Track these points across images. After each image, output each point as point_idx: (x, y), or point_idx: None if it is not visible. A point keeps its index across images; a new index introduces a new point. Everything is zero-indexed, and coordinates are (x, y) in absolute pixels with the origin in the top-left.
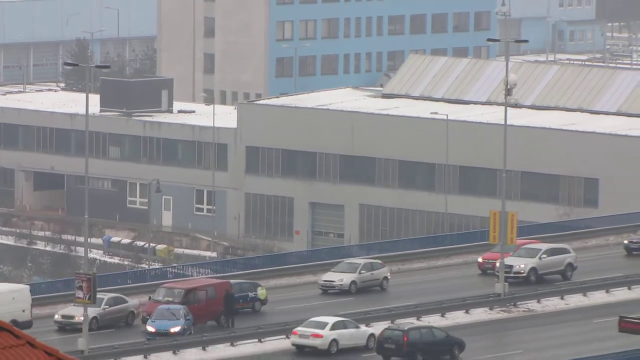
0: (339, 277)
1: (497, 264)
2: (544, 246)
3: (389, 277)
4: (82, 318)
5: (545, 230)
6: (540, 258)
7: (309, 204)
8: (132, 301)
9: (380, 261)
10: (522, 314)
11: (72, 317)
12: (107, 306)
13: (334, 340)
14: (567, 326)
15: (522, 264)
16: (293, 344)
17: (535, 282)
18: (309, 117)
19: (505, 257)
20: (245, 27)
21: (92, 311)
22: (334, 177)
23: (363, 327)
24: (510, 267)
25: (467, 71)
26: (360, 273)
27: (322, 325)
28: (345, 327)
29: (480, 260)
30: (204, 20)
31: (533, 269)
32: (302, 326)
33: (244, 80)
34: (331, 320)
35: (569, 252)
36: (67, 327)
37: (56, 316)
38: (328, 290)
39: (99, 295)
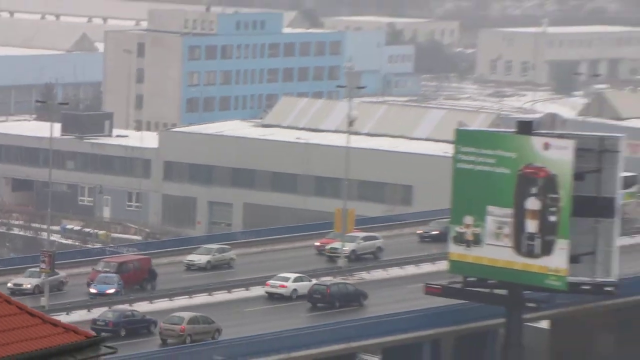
0: (198, 258)
1: (328, 247)
2: (361, 234)
3: (235, 257)
4: (29, 285)
5: (374, 222)
6: (357, 242)
7: (207, 202)
8: (62, 273)
9: (229, 246)
10: (357, 281)
11: (21, 284)
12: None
13: (295, 290)
14: (389, 290)
15: (346, 246)
16: (266, 292)
17: (355, 259)
18: (210, 140)
19: (333, 242)
20: (165, 76)
21: (35, 280)
22: (226, 183)
23: (313, 281)
24: (336, 248)
25: (322, 108)
26: (213, 255)
27: (286, 279)
28: (302, 281)
29: (317, 244)
30: (137, 71)
31: (353, 251)
32: (272, 280)
33: (164, 114)
34: (292, 275)
35: (378, 239)
36: (17, 292)
37: (9, 284)
38: (190, 267)
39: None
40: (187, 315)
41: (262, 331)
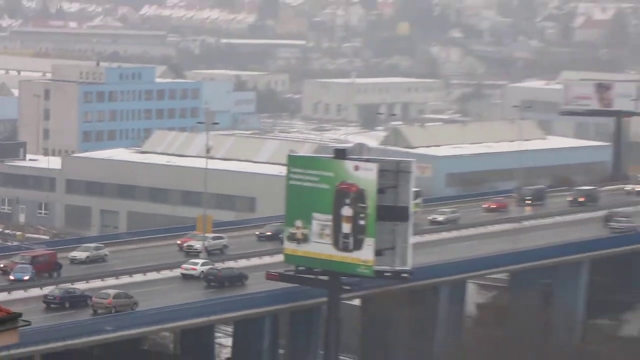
0: (79, 254)
1: (185, 245)
2: (210, 235)
3: (108, 254)
4: None
5: (227, 225)
6: (208, 241)
7: (100, 211)
8: None
9: (102, 245)
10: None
11: None
12: None
13: (202, 271)
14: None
15: (198, 244)
16: (181, 274)
17: (208, 254)
18: (101, 163)
19: (189, 240)
20: (66, 114)
21: None
22: (114, 195)
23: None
24: (192, 245)
25: (186, 139)
26: (90, 251)
27: (196, 264)
28: (207, 265)
29: (178, 242)
30: (44, 111)
31: (205, 247)
32: (185, 264)
33: (65, 143)
34: (201, 261)
35: (224, 238)
36: None
37: None
38: (73, 261)
39: None
40: (112, 291)
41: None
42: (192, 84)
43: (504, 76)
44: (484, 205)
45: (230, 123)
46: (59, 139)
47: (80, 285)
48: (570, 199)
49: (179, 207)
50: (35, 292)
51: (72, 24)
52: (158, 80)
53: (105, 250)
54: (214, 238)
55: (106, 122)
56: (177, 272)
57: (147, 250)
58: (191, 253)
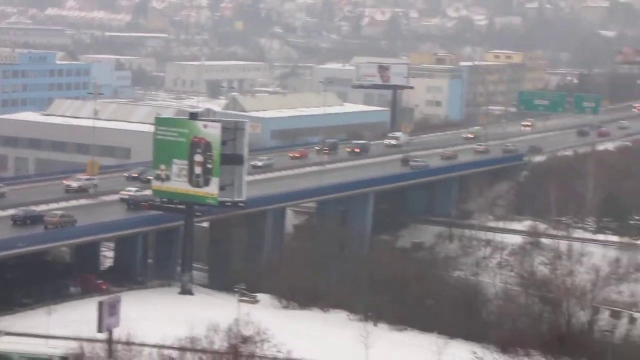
0: None
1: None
2: (84, 176)
3: (7, 191)
4: None
5: (112, 169)
6: (82, 181)
7: (14, 158)
8: None
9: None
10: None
11: None
12: None
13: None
14: (118, 206)
15: (74, 183)
16: (120, 198)
17: (81, 191)
18: (15, 123)
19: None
20: None
21: None
22: (24, 146)
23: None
24: (69, 185)
25: (79, 106)
26: None
27: (130, 190)
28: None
29: (64, 182)
30: None
31: (80, 186)
32: (122, 191)
33: None
34: (134, 189)
35: (94, 179)
36: None
37: None
38: None
39: None
40: (58, 212)
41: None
42: (84, 65)
43: (312, 60)
44: (289, 154)
45: (112, 94)
46: None
47: None
48: (348, 149)
49: (75, 155)
50: None
51: None
52: (58, 62)
53: (5, 189)
54: (87, 179)
55: (19, 92)
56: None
57: (41, 188)
58: (69, 190)
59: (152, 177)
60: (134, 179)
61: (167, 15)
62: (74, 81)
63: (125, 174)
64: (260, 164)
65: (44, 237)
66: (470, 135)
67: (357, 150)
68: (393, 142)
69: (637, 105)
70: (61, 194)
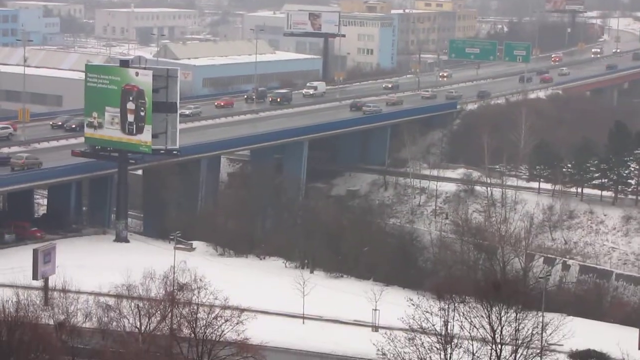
0: None
1: None
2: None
3: None
4: None
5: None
6: None
7: None
8: None
9: None
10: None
11: None
12: None
13: None
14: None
15: None
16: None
17: None
18: None
19: None
20: None
21: None
22: None
23: None
24: None
25: (9, 52)
26: None
27: None
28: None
29: None
30: None
31: None
32: None
33: None
34: None
35: (9, 128)
36: None
37: None
38: None
39: None
40: (24, 154)
41: None
42: (11, 11)
43: (243, 8)
44: (215, 103)
45: (41, 41)
46: None
47: None
48: (270, 99)
49: (5, 102)
50: None
51: None
52: None
53: (10, 130)
54: (2, 128)
55: None
56: None
57: None
58: None
59: (75, 125)
60: (59, 127)
61: None
62: (1, 28)
63: (50, 122)
64: (188, 112)
65: None
66: (389, 85)
67: (278, 99)
68: (311, 92)
69: (555, 56)
70: None
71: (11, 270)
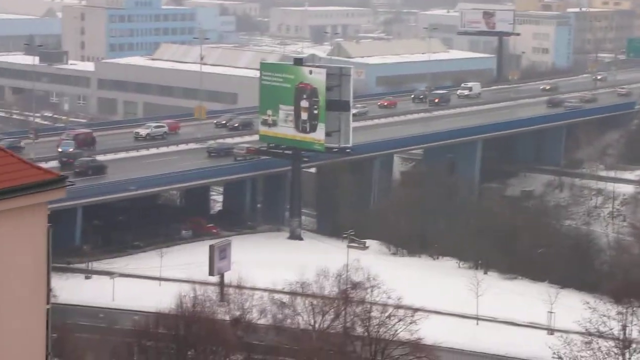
0: (142, 131)
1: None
2: (154, 123)
3: (167, 130)
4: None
5: (217, 113)
6: (151, 129)
7: (123, 102)
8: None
9: (163, 124)
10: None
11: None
12: None
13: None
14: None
15: (143, 131)
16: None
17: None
18: (123, 67)
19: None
20: (97, 31)
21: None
22: (132, 90)
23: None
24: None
25: (185, 50)
26: (151, 129)
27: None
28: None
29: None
30: (80, 29)
31: (148, 134)
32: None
33: (97, 52)
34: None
35: (165, 127)
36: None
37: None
38: (137, 137)
39: None
40: (246, 145)
41: None
42: (189, 10)
43: (417, 6)
44: (378, 103)
45: (217, 39)
46: (92, 49)
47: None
48: (429, 99)
49: (181, 100)
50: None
51: None
52: (163, 7)
53: (166, 128)
54: (157, 126)
55: (126, 37)
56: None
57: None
58: (138, 138)
59: (237, 124)
60: (222, 126)
61: None
62: (179, 26)
63: (214, 121)
64: (355, 111)
65: (155, 181)
66: (547, 87)
67: (436, 100)
68: (465, 92)
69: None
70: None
71: (188, 266)
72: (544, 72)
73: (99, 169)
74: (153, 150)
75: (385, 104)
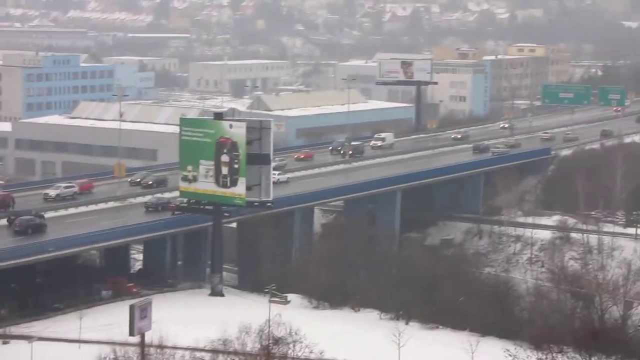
0: (51, 192)
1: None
2: (64, 184)
3: (78, 191)
4: None
5: (137, 169)
6: (60, 189)
7: (41, 162)
8: None
9: (73, 184)
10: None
11: None
12: None
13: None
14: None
15: (53, 192)
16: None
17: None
18: (41, 127)
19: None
20: (14, 91)
21: None
22: (50, 150)
23: None
24: (47, 193)
25: (104, 108)
26: (61, 190)
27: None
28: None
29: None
30: None
31: (57, 194)
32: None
33: (14, 112)
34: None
35: (75, 187)
36: None
37: None
38: (46, 198)
39: None
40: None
41: None
42: (107, 67)
43: (335, 57)
44: (294, 156)
45: (136, 95)
46: (9, 109)
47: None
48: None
49: (101, 158)
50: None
51: (17, 24)
52: (82, 64)
53: (76, 188)
54: (66, 187)
55: (44, 96)
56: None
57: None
58: (48, 199)
59: (151, 182)
60: (137, 184)
61: (188, 15)
62: (98, 83)
63: (129, 179)
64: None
65: (73, 242)
66: (458, 136)
67: (350, 152)
68: (379, 143)
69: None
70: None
71: (108, 327)
72: (462, 120)
73: (39, 228)
74: (72, 210)
75: (302, 156)
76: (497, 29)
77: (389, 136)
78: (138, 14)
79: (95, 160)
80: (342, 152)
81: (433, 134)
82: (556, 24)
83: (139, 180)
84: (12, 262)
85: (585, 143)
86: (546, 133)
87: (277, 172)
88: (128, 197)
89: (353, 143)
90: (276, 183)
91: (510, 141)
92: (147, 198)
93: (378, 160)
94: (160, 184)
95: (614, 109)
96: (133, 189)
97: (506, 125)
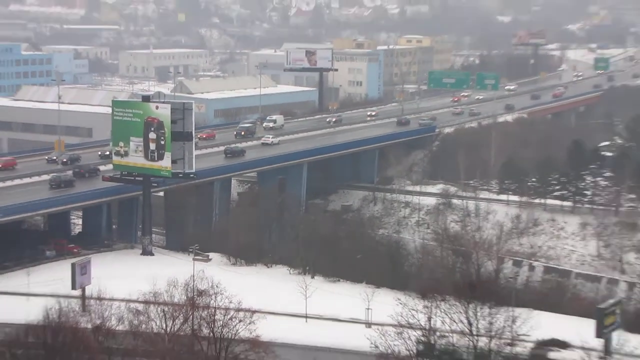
0: None
1: None
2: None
3: None
4: None
5: (75, 146)
6: None
7: None
8: None
9: None
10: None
11: None
12: None
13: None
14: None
15: None
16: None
17: None
18: None
19: None
20: None
21: None
22: None
23: None
24: None
25: (44, 91)
26: None
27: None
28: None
29: None
30: None
31: None
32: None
33: None
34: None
35: None
36: None
37: None
38: None
39: None
40: None
41: None
42: (46, 55)
43: (248, 47)
44: (198, 136)
45: (72, 80)
46: None
47: None
48: (235, 133)
49: (42, 135)
50: None
51: None
52: (23, 53)
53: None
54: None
55: None
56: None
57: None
58: None
59: (66, 160)
60: (53, 161)
61: (117, 9)
62: (38, 69)
63: (46, 157)
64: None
65: (19, 208)
66: (372, 113)
67: (242, 133)
68: (270, 124)
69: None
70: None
71: (53, 282)
72: (359, 102)
73: None
74: (8, 183)
75: (204, 136)
76: (388, 22)
77: (279, 118)
78: (72, 8)
79: (37, 137)
80: (243, 134)
81: (335, 114)
82: (440, 18)
83: (54, 158)
84: None
85: (471, 120)
86: (423, 120)
87: (271, 136)
88: (43, 173)
89: (245, 125)
90: (270, 145)
91: (429, 115)
92: (51, 176)
93: (288, 137)
94: (74, 162)
95: (454, 99)
96: (50, 166)
97: (373, 113)
